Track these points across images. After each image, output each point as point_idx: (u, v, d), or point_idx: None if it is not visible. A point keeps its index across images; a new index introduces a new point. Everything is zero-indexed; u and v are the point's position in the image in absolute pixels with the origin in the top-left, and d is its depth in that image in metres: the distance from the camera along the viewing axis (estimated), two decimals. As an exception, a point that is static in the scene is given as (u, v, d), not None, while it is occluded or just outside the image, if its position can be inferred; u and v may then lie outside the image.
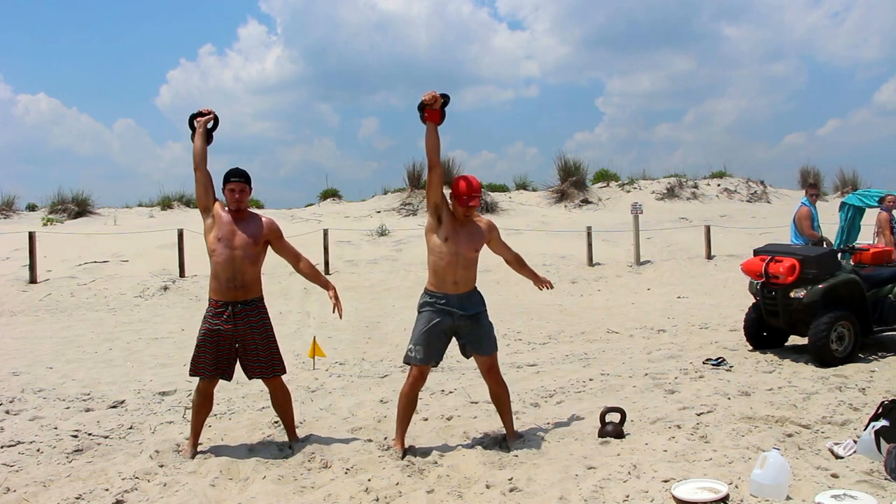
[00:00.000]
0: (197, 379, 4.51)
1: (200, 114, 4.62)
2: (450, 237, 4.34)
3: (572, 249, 16.16)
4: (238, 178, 4.42)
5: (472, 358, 4.55)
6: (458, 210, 4.38)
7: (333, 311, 4.62)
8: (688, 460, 4.04)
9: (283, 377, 4.63)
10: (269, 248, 4.56)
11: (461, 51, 52.60)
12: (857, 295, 6.74)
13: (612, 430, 4.55)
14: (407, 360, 4.42)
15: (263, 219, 4.57)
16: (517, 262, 4.79)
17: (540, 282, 4.87)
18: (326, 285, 4.65)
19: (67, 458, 4.42)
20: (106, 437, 4.84)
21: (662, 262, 15.66)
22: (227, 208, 4.48)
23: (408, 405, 4.44)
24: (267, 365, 4.48)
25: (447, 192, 4.47)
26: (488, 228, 4.53)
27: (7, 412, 5.42)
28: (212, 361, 4.38)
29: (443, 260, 4.34)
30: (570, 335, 8.61)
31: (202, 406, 4.49)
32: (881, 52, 51.01)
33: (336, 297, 4.60)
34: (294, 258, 4.64)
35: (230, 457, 4.36)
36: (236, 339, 4.39)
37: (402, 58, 51.09)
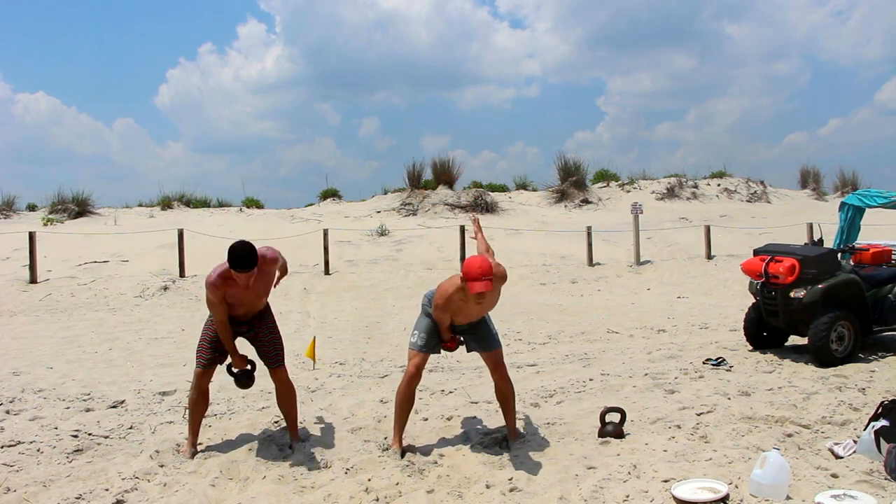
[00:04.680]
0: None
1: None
2: (468, 316, 4.38)
3: (572, 249, 16.15)
4: (243, 269, 4.07)
5: (476, 355, 4.61)
6: (470, 296, 4.13)
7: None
8: (688, 460, 4.05)
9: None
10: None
11: (462, 49, 52.46)
12: (857, 295, 6.73)
13: (612, 430, 4.55)
14: (409, 345, 4.50)
15: (267, 258, 4.35)
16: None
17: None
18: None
19: (67, 458, 4.42)
20: (106, 437, 4.84)
21: (662, 262, 15.66)
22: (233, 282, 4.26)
23: (404, 402, 4.46)
24: (272, 355, 4.58)
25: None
26: (498, 282, 4.24)
27: (7, 412, 5.42)
28: (208, 347, 4.47)
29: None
30: (570, 335, 8.61)
31: (198, 403, 4.52)
32: (884, 51, 50.91)
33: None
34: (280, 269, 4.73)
35: (230, 457, 4.36)
36: (242, 334, 4.55)
37: (403, 57, 50.97)
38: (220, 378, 5.77)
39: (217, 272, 4.21)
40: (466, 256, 14.13)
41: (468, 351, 4.60)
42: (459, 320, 4.40)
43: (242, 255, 4.06)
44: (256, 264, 4.13)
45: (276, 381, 4.63)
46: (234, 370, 4.61)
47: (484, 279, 4.01)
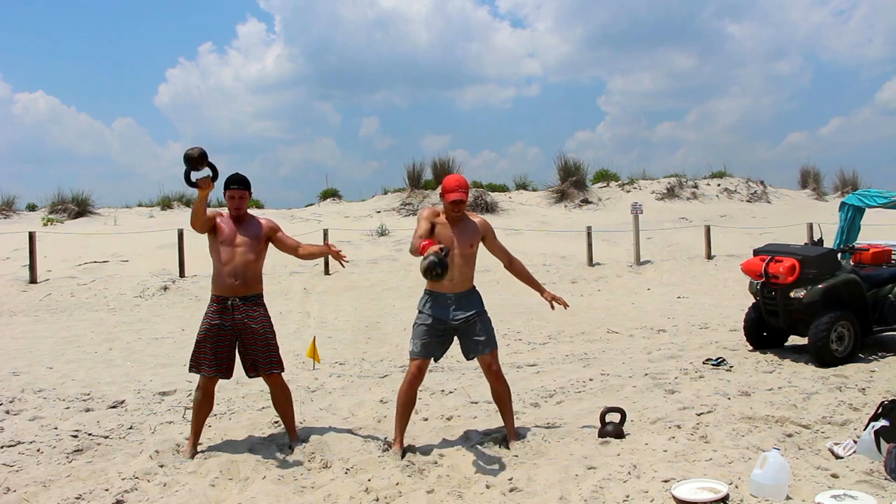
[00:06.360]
0: (198, 377, 4.54)
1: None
2: (443, 239, 4.36)
3: (572, 249, 16.16)
4: (238, 186, 4.51)
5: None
6: (446, 206, 4.41)
7: (340, 263, 4.64)
8: (688, 460, 4.04)
9: (283, 377, 4.66)
10: (272, 245, 4.63)
11: (462, 49, 52.48)
12: (857, 295, 6.73)
13: (612, 430, 4.55)
14: (409, 354, 4.49)
15: (262, 219, 4.66)
16: (515, 268, 4.68)
17: (550, 298, 4.68)
18: (323, 251, 4.70)
19: (67, 458, 4.42)
20: (106, 437, 4.84)
21: (662, 262, 15.66)
22: (225, 214, 4.56)
23: (406, 403, 4.46)
24: (266, 361, 4.52)
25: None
26: (482, 226, 4.55)
27: (7, 412, 5.42)
28: (212, 358, 4.42)
29: None
30: (570, 335, 8.61)
31: (203, 405, 4.51)
32: (885, 51, 50.96)
33: (335, 250, 4.57)
34: (293, 248, 4.66)
35: (230, 457, 4.36)
36: (235, 334, 4.45)
37: (403, 56, 51.02)
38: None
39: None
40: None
41: (467, 358, 4.58)
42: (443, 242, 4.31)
43: (237, 175, 4.56)
44: (248, 188, 4.57)
45: (271, 384, 4.61)
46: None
47: (459, 190, 4.36)
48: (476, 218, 4.59)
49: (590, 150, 66.66)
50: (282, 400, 4.65)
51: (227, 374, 4.52)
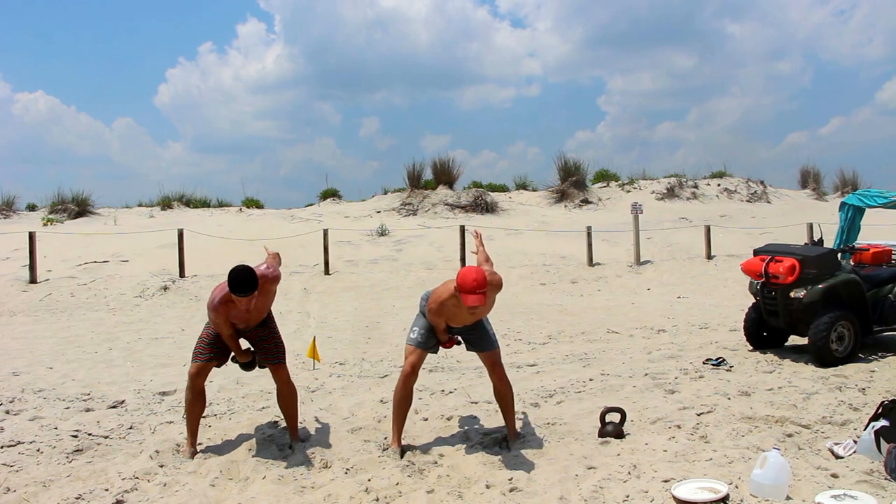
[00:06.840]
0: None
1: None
2: (458, 323, 4.40)
3: (572, 249, 16.15)
4: (244, 293, 4.09)
5: (477, 355, 4.63)
6: (464, 308, 4.14)
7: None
8: (688, 460, 4.05)
9: (284, 377, 4.70)
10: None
11: (462, 49, 52.31)
12: (857, 295, 6.73)
13: (612, 430, 4.55)
14: (407, 340, 4.51)
15: (268, 277, 4.39)
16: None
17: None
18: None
19: (67, 458, 4.43)
20: (106, 437, 4.84)
21: (662, 262, 15.66)
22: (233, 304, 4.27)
23: (402, 401, 4.47)
24: (273, 354, 4.60)
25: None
26: (492, 290, 4.25)
27: (7, 412, 5.42)
28: (207, 349, 4.49)
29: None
30: (570, 335, 8.61)
31: (194, 403, 4.53)
32: (885, 51, 50.75)
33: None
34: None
35: (230, 457, 4.37)
36: (244, 335, 4.58)
37: (403, 56, 50.87)
38: (220, 378, 5.79)
39: (218, 296, 4.25)
40: (466, 257, 14.14)
41: (467, 349, 4.62)
42: (454, 324, 4.42)
43: (242, 279, 4.06)
44: (257, 287, 4.14)
45: (278, 379, 4.63)
46: (239, 361, 4.65)
47: (478, 292, 3.97)
48: (491, 290, 4.21)
49: (590, 150, 66.42)
50: (287, 397, 4.66)
51: (223, 359, 4.60)
